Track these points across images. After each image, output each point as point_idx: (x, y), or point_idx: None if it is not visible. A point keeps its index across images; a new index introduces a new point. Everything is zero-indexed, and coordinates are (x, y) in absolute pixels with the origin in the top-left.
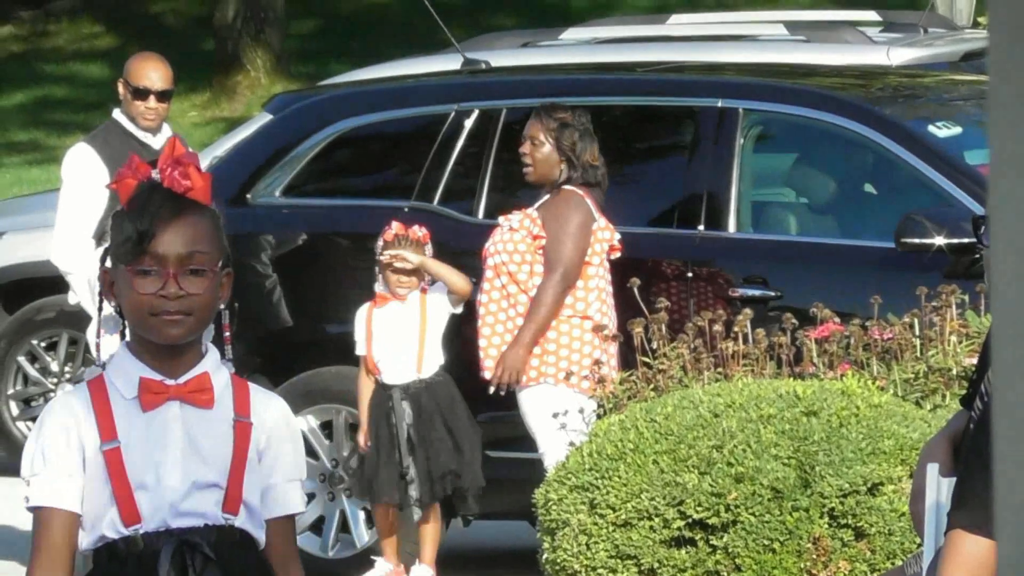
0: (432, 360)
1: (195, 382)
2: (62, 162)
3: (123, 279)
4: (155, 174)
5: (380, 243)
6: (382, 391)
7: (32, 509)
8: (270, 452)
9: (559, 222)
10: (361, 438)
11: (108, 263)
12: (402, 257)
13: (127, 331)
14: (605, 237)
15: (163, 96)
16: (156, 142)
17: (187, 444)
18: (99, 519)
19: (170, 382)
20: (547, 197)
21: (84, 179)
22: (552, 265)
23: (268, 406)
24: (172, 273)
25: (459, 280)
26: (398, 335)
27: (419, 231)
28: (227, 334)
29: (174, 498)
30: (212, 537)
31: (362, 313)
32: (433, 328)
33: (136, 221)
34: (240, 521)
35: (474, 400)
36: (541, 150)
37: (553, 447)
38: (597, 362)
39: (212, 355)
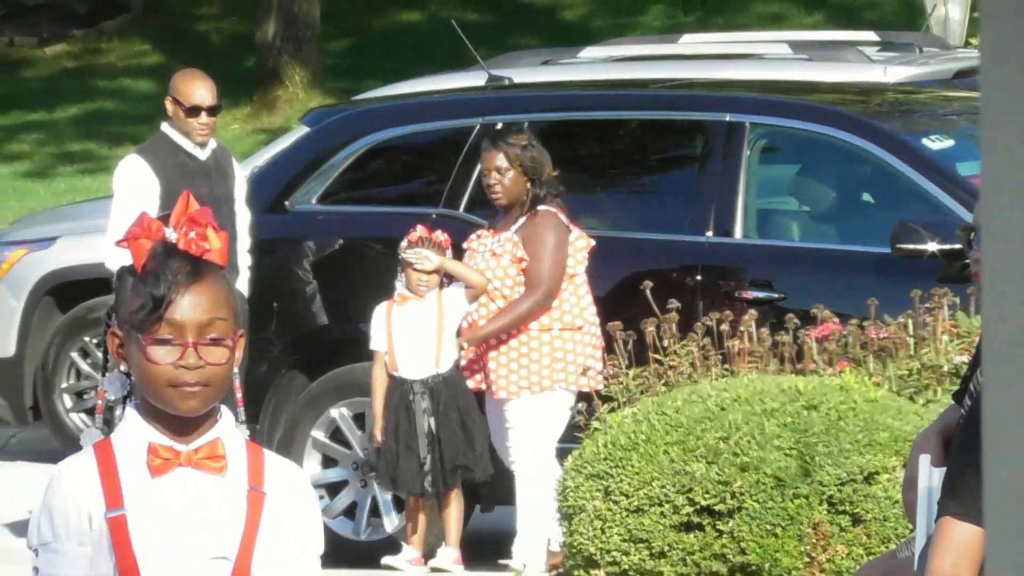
0: (448, 356)
1: (207, 448)
2: (114, 172)
3: (136, 346)
4: (169, 232)
5: (404, 244)
6: (400, 385)
7: None
8: (275, 523)
9: (538, 243)
10: (377, 432)
11: (114, 323)
12: (424, 257)
13: (134, 392)
14: (582, 246)
15: (213, 111)
16: (203, 154)
17: (196, 514)
18: None
19: (180, 447)
20: (524, 220)
21: (135, 188)
22: (535, 283)
23: (284, 475)
24: (191, 343)
25: (476, 277)
26: (418, 332)
27: (441, 235)
28: (239, 395)
29: (180, 571)
30: None
31: (380, 311)
32: (450, 325)
33: (152, 287)
34: None
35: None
36: (508, 176)
37: (527, 456)
38: (586, 370)
39: (227, 418)
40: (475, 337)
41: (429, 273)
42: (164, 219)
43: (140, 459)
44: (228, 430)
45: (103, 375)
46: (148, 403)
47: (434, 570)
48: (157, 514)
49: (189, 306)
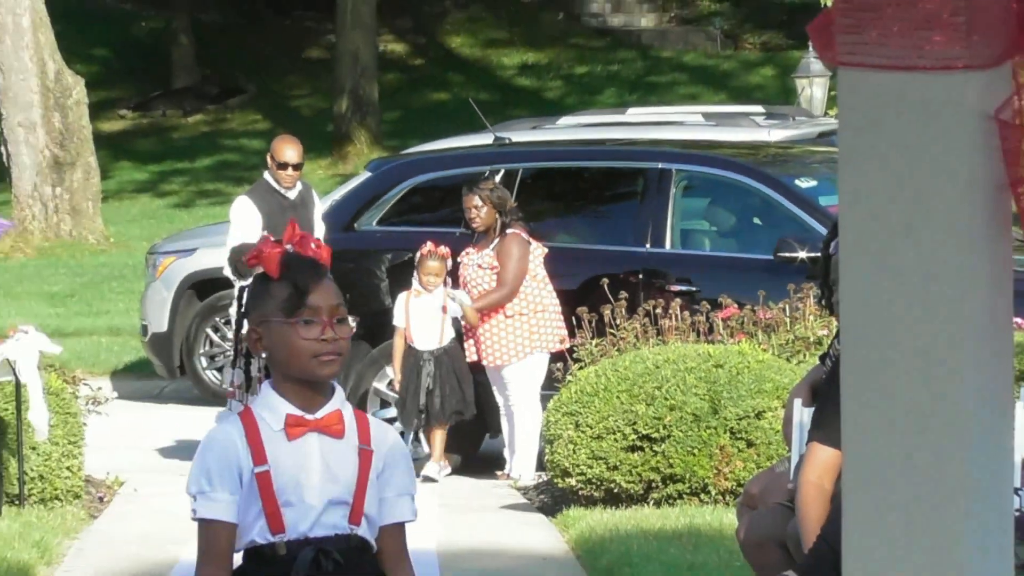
0: (448, 334)
1: (330, 417)
2: (231, 205)
3: (280, 331)
4: (288, 247)
5: (419, 255)
6: (414, 353)
7: (199, 520)
8: (386, 473)
9: (507, 256)
10: (396, 385)
11: (247, 324)
12: (457, 303)
13: (271, 374)
14: (539, 254)
15: (297, 167)
16: (291, 193)
17: (323, 468)
18: (250, 527)
19: (310, 417)
20: (498, 240)
21: (244, 219)
22: (502, 283)
23: (384, 436)
24: (328, 321)
25: (473, 317)
26: (427, 316)
27: (444, 249)
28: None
29: (313, 513)
30: (341, 545)
31: (402, 299)
32: (449, 314)
33: (294, 280)
34: (361, 531)
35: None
36: (483, 211)
37: (521, 401)
38: (562, 339)
39: (339, 393)
40: (462, 313)
41: (436, 275)
42: (277, 242)
43: (277, 425)
44: (342, 402)
45: (232, 368)
46: (283, 381)
47: (425, 479)
48: (293, 469)
49: (322, 293)
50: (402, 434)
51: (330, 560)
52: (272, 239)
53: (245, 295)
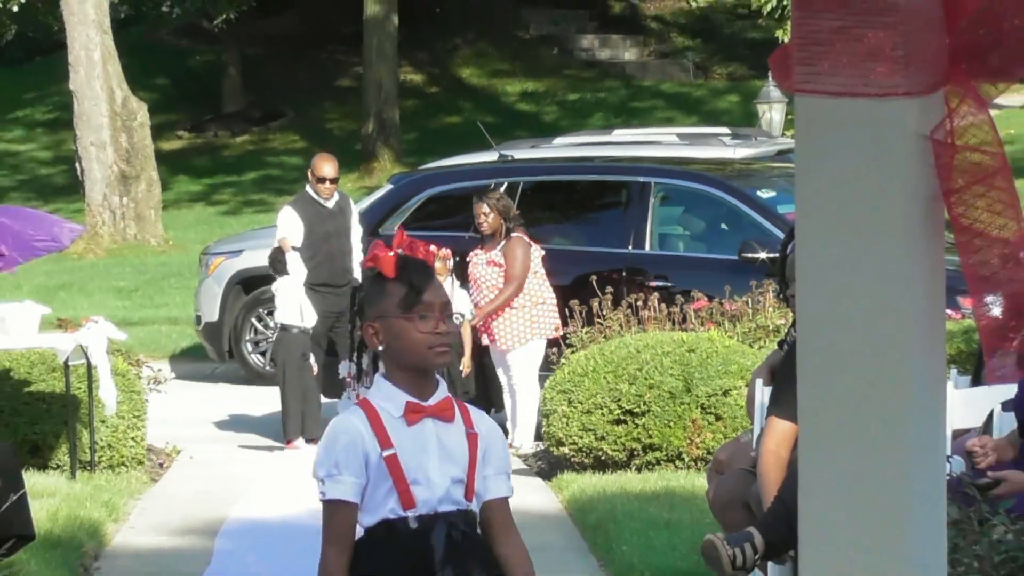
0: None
1: (443, 403)
2: (278, 214)
3: (398, 326)
4: (400, 251)
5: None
6: None
7: (327, 501)
8: (487, 453)
9: (512, 257)
10: None
11: (364, 321)
12: (438, 271)
13: (381, 367)
14: (537, 255)
15: (334, 181)
16: (330, 203)
17: (440, 450)
18: (380, 505)
19: (425, 404)
20: (504, 243)
21: (288, 225)
22: (510, 280)
23: (483, 420)
24: (440, 316)
25: (467, 330)
26: None
27: (446, 251)
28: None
29: (439, 491)
30: (462, 519)
31: None
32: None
33: (410, 279)
34: (473, 505)
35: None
36: (490, 217)
37: (523, 379)
38: (557, 328)
39: (443, 383)
40: (481, 315)
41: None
42: (387, 246)
43: (397, 412)
44: (445, 390)
45: (350, 360)
46: (397, 371)
47: None
48: (415, 451)
49: (434, 291)
50: None
51: (458, 532)
52: (383, 244)
53: (360, 296)
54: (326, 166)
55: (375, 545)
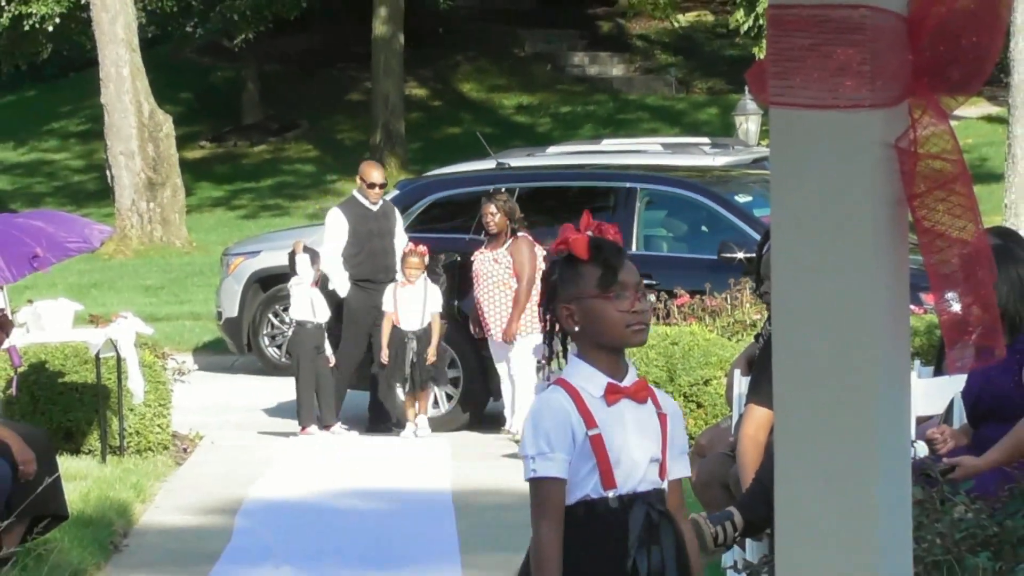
0: (427, 316)
1: (638, 384)
2: (327, 214)
3: (595, 306)
4: (589, 233)
5: (402, 253)
6: (400, 332)
7: (537, 479)
8: (672, 433)
9: (522, 255)
10: (384, 358)
11: (558, 303)
12: (417, 265)
13: (576, 347)
14: (540, 255)
15: (382, 186)
16: (375, 207)
17: (637, 430)
18: (581, 484)
19: (622, 384)
20: (510, 242)
21: (337, 227)
22: (522, 277)
23: (668, 400)
24: (636, 295)
25: (435, 338)
26: (412, 301)
27: (423, 248)
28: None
29: (638, 470)
30: (658, 498)
31: (390, 289)
32: (430, 302)
33: (605, 260)
34: (664, 485)
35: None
36: (497, 217)
37: (522, 369)
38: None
39: (632, 365)
40: (514, 328)
41: (417, 268)
42: (576, 229)
43: (597, 392)
44: (636, 372)
45: (543, 343)
46: (592, 351)
47: (418, 436)
48: (616, 431)
49: (629, 271)
50: (380, 403)
51: (656, 512)
52: (573, 227)
53: (552, 279)
54: (375, 172)
55: (573, 524)
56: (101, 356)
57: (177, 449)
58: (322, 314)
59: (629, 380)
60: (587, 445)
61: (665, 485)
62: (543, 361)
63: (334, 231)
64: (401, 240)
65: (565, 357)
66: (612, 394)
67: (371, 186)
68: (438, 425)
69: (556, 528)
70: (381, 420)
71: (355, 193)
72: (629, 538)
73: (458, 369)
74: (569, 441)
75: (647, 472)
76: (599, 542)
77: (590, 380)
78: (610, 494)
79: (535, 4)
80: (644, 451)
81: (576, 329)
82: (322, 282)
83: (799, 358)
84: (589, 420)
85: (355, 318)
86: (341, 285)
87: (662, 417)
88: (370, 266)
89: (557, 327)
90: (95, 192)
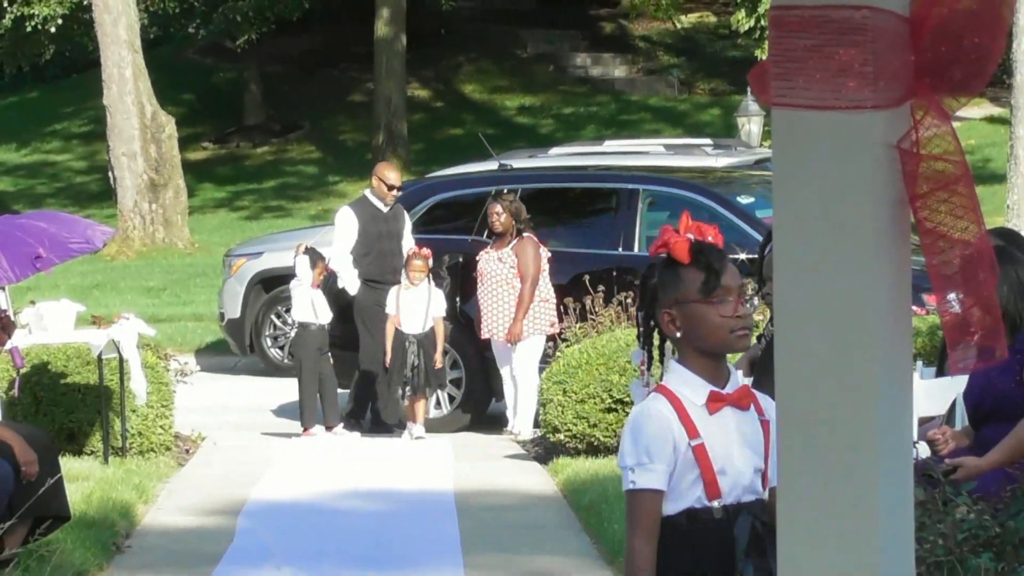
0: (430, 320)
1: (741, 391)
2: (337, 213)
3: (698, 310)
4: (689, 235)
5: (406, 255)
6: (402, 335)
7: (635, 491)
8: (772, 438)
9: (526, 255)
10: (387, 361)
11: (659, 308)
12: (420, 268)
13: (674, 353)
14: (544, 256)
15: (399, 188)
16: (385, 208)
17: (741, 439)
18: (685, 494)
19: (725, 392)
20: (515, 242)
21: (347, 226)
22: (526, 278)
23: (770, 405)
24: (739, 299)
25: (439, 342)
26: (414, 305)
27: (426, 251)
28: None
29: (744, 480)
30: (761, 507)
31: (393, 291)
32: (433, 306)
33: (708, 264)
34: (765, 495)
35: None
36: (502, 217)
37: (524, 371)
38: (553, 324)
39: (735, 371)
40: (518, 329)
41: (420, 271)
42: (676, 231)
43: (699, 400)
44: (740, 379)
45: (641, 347)
46: (694, 357)
47: (416, 438)
48: (718, 440)
49: (732, 275)
50: (374, 406)
51: (760, 522)
52: (672, 229)
53: (652, 282)
54: (391, 174)
55: (677, 535)
56: (103, 357)
57: (179, 450)
58: (324, 315)
59: (732, 386)
60: (690, 455)
61: (766, 495)
62: (642, 367)
63: (344, 230)
64: (409, 243)
65: (661, 362)
66: (714, 402)
67: (389, 188)
68: (440, 426)
69: (650, 541)
70: (378, 424)
71: (367, 193)
72: (736, 551)
73: (460, 370)
74: (670, 452)
75: (752, 482)
76: (705, 554)
77: (692, 387)
78: (715, 504)
79: (537, 5)
80: (747, 461)
81: (678, 335)
82: (330, 281)
83: (801, 359)
84: (692, 430)
85: (368, 315)
86: (351, 283)
87: (765, 424)
88: (378, 267)
89: (655, 332)
90: (97, 193)
